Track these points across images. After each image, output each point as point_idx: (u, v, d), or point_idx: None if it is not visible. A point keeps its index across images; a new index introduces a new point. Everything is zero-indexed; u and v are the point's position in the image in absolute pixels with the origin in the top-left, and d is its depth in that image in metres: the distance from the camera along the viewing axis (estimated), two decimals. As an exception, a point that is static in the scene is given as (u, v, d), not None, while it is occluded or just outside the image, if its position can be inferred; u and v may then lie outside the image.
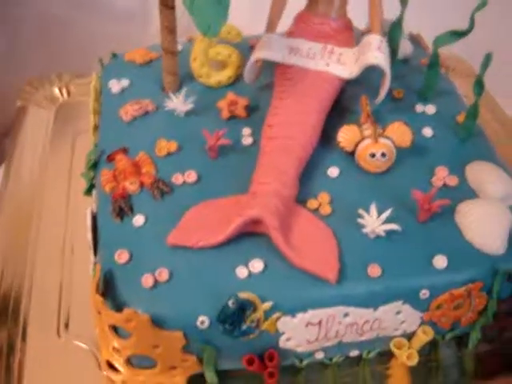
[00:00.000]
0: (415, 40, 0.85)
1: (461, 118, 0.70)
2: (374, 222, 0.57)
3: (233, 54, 0.72)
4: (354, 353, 0.62)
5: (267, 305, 0.54)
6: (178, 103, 0.67)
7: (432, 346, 0.65)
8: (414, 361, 0.60)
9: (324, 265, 0.55)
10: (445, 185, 0.63)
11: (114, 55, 0.78)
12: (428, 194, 0.58)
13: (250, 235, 0.57)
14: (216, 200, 0.60)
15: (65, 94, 0.91)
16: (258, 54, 0.68)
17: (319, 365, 0.63)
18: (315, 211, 0.60)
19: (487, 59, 0.64)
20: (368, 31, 0.82)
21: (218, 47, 0.71)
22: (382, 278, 0.56)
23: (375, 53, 0.65)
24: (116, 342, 0.55)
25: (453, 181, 0.63)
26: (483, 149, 0.68)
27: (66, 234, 0.74)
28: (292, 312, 0.55)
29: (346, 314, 0.56)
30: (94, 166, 0.66)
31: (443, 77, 0.77)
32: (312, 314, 0.55)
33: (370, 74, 0.68)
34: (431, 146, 0.67)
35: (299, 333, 0.57)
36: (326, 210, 0.60)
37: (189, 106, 0.68)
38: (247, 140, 0.66)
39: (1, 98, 0.92)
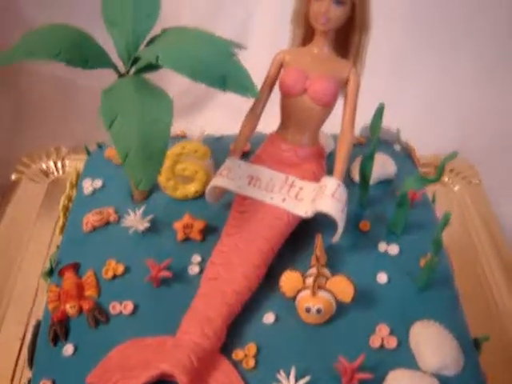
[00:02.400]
0: (408, 152, 0.81)
1: (423, 262, 0.67)
2: (289, 389, 0.57)
3: (199, 171, 0.72)
4: None
5: None
6: (135, 221, 0.69)
7: None
8: None
9: None
10: (382, 346, 0.61)
11: (100, 146, 0.80)
12: (352, 365, 0.57)
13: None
14: (142, 340, 0.60)
15: (60, 169, 0.95)
16: (216, 182, 0.67)
17: None
18: (239, 363, 0.59)
19: (446, 219, 0.61)
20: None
21: (184, 163, 0.71)
22: None
23: (327, 200, 0.63)
24: None
25: (392, 342, 0.61)
26: (441, 302, 0.65)
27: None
28: None
29: None
30: (50, 272, 0.69)
31: (424, 204, 0.74)
32: None
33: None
34: (382, 295, 0.65)
35: None
36: (250, 363, 0.59)
37: (145, 225, 0.69)
38: (194, 269, 0.66)
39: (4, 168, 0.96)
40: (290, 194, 0.67)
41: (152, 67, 0.62)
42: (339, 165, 0.66)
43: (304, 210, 0.66)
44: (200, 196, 0.73)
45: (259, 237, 0.65)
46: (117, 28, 0.63)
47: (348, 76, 0.68)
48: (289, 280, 0.63)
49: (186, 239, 0.69)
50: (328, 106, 0.68)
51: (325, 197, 0.64)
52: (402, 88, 1.10)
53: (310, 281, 0.62)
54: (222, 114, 1.02)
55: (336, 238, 0.65)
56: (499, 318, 0.79)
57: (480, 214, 0.89)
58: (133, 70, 0.64)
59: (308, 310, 0.61)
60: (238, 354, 0.60)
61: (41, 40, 0.59)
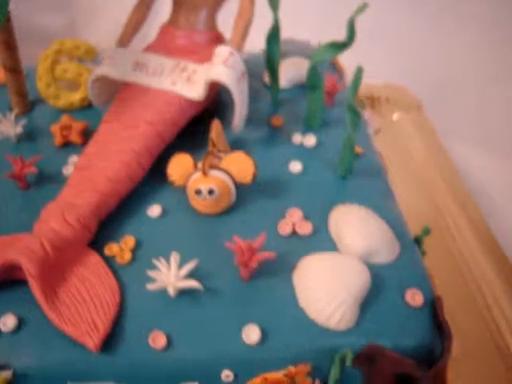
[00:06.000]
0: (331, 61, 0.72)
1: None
2: (168, 277, 0.44)
3: (84, 73, 0.62)
4: None
5: (7, 373, 0.42)
6: (7, 127, 0.58)
7: None
8: None
9: (89, 327, 0.43)
10: (294, 232, 0.49)
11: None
12: (248, 243, 0.45)
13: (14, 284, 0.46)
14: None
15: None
16: (96, 72, 0.57)
17: None
18: (111, 258, 0.48)
19: (358, 74, 0.50)
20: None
21: (64, 64, 0.61)
22: (169, 350, 0.42)
23: (219, 67, 0.53)
24: None
25: (305, 227, 0.49)
26: (368, 190, 0.54)
27: None
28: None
29: (121, 392, 0.43)
30: None
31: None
32: (72, 390, 0.43)
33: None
34: (295, 183, 0.54)
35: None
36: (125, 257, 0.47)
37: (18, 130, 0.58)
38: (68, 169, 0.55)
39: None
40: (182, 77, 0.57)
41: None
42: (234, 35, 0.57)
43: (198, 94, 0.55)
44: (88, 105, 0.63)
45: (143, 122, 0.54)
46: None
47: None
48: (178, 165, 0.52)
49: (66, 144, 0.58)
50: (221, -20, 0.59)
51: (215, 64, 0.54)
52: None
53: (200, 164, 0.51)
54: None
55: (237, 121, 0.55)
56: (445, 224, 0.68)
57: (424, 142, 0.79)
58: None
59: (199, 193, 0.49)
60: (111, 249, 0.48)
61: None
